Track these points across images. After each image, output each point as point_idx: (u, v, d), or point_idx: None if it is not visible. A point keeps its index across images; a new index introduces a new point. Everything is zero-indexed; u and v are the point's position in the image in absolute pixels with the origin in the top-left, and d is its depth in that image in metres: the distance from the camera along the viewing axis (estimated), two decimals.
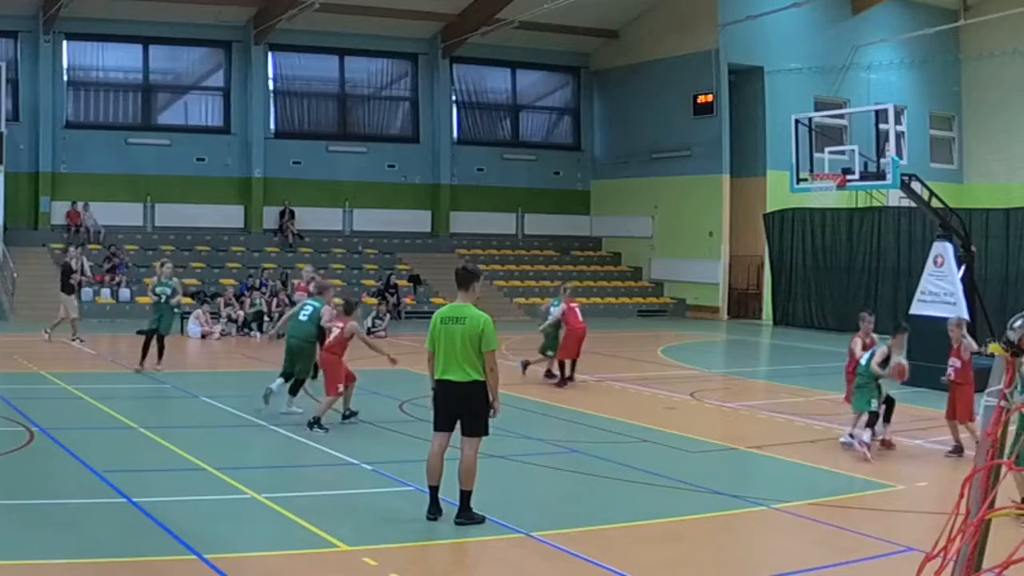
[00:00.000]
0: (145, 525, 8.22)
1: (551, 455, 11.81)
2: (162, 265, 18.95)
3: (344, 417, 13.28)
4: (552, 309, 17.84)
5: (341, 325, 13.21)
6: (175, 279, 18.86)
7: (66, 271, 22.72)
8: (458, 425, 8.62)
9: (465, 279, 8.76)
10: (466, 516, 8.51)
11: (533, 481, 10.74)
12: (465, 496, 8.53)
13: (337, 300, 14.18)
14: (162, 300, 17.98)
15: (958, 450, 12.10)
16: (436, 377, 8.65)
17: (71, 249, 26.33)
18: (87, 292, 26.89)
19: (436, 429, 8.68)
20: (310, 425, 12.53)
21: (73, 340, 21.89)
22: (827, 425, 14.20)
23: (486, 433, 8.67)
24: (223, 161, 33.10)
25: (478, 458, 8.57)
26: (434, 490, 8.62)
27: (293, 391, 13.82)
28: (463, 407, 8.55)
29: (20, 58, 30.81)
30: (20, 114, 30.61)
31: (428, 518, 8.57)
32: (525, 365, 18.18)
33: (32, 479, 9.88)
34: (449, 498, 8.64)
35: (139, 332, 19.07)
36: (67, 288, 22.54)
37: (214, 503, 9.16)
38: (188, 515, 8.59)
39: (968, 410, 11.98)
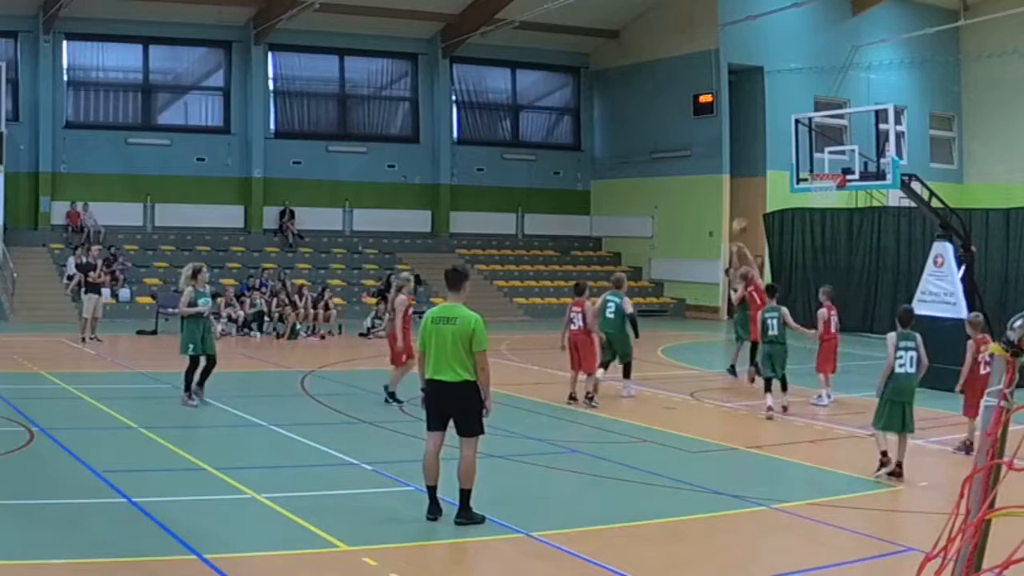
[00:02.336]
0: (145, 525, 8.22)
1: (551, 455, 11.80)
2: (199, 271, 14.61)
3: (588, 397, 14.99)
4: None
5: (579, 309, 14.97)
6: None
7: (88, 269, 22.78)
8: (453, 425, 8.63)
9: (456, 280, 8.78)
10: (466, 516, 8.52)
11: (533, 481, 10.73)
12: (465, 496, 8.54)
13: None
14: (205, 314, 14.66)
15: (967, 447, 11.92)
16: (427, 377, 8.66)
17: (93, 248, 26.37)
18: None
19: (430, 429, 8.70)
20: (590, 398, 14.84)
21: (89, 339, 21.96)
22: (827, 425, 14.22)
23: (481, 432, 8.67)
24: (223, 161, 33.08)
25: (477, 457, 8.58)
26: (432, 490, 8.62)
27: (626, 375, 15.93)
28: (455, 407, 8.56)
29: (20, 58, 30.77)
30: (20, 114, 30.57)
31: (428, 518, 8.57)
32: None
33: (32, 479, 9.88)
34: (449, 498, 8.64)
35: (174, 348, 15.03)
36: (92, 287, 22.69)
37: (214, 503, 9.16)
38: (188, 515, 8.59)
39: None
